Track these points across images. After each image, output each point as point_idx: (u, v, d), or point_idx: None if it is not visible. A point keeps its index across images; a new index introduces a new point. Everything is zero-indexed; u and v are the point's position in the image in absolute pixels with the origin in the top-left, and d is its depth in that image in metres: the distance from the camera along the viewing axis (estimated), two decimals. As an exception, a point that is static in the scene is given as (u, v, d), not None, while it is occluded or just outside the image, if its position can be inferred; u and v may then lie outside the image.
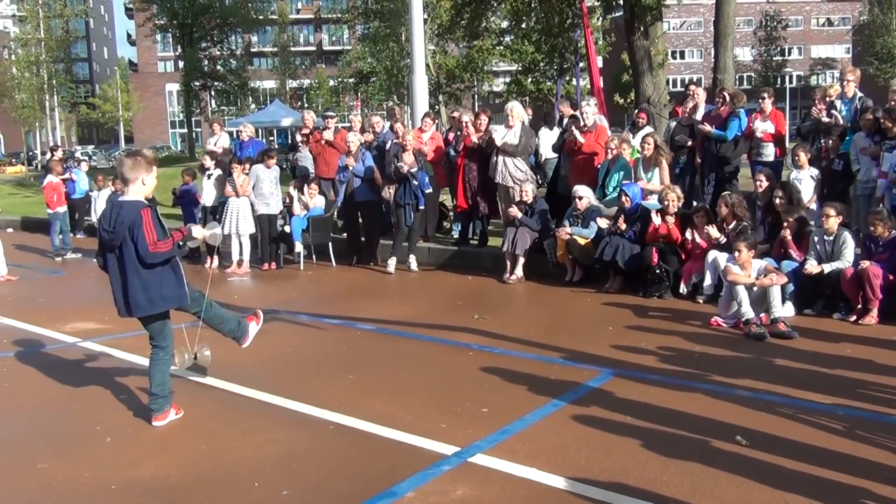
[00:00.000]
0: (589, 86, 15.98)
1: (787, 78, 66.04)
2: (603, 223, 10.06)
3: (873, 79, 44.75)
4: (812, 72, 75.44)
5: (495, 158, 11.35)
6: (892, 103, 10.02)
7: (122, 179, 5.41)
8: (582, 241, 10.09)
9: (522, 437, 5.09)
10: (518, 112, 11.56)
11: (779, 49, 66.07)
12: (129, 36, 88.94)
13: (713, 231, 8.94)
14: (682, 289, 9.22)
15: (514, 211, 10.71)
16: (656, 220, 9.47)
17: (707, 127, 10.77)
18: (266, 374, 6.64)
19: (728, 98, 11.20)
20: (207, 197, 13.03)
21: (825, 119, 10.55)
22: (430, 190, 11.84)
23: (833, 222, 8.26)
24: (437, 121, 15.01)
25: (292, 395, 5.98)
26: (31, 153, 56.53)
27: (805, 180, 9.91)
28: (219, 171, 12.71)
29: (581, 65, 19.34)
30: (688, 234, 9.28)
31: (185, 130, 50.24)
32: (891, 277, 7.90)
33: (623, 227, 9.72)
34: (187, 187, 13.91)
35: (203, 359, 6.00)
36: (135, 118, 79.76)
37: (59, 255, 14.01)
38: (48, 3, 46.18)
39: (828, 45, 78.62)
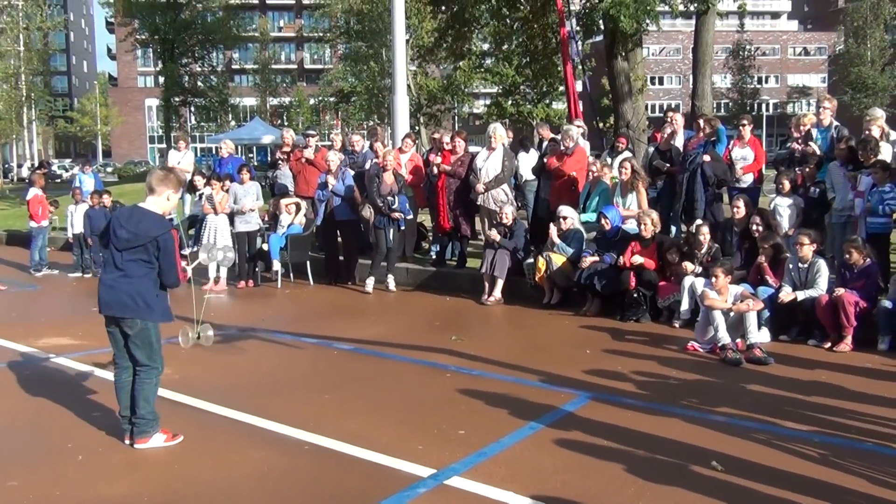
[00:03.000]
0: (567, 112, 16.08)
1: (763, 105, 66.85)
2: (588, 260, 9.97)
3: (848, 108, 45.41)
4: (789, 99, 76.41)
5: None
6: (867, 132, 10.15)
7: (149, 188, 5.44)
8: (559, 261, 10.10)
9: (499, 459, 5.07)
10: (500, 134, 11.62)
11: (752, 77, 66.86)
12: (109, 50, 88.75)
13: (689, 266, 8.98)
14: (659, 302, 9.26)
15: (494, 234, 10.72)
16: (637, 260, 9.45)
17: (707, 158, 10.74)
18: (241, 392, 6.59)
19: (703, 124, 11.28)
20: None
21: (807, 147, 10.70)
22: (411, 216, 11.89)
23: (807, 250, 8.33)
24: (417, 141, 15.04)
25: (268, 415, 5.93)
26: (7, 166, 56.05)
27: (787, 207, 9.98)
28: (209, 190, 12.52)
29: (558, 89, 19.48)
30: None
31: (164, 145, 50.05)
32: (864, 305, 7.98)
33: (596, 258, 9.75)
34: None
35: (206, 339, 5.87)
36: (113, 132, 79.39)
37: (38, 269, 13.87)
38: (28, 16, 45.96)
39: (804, 74, 79.68)
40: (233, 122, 52.77)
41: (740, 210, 9.54)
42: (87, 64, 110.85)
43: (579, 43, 18.86)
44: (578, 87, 18.47)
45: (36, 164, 22.76)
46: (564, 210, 10.52)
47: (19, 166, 53.01)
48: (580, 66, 19.37)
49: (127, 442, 5.42)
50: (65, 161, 64.78)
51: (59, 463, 5.11)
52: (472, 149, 12.65)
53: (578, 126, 12.20)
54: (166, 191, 5.41)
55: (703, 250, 9.04)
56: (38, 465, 5.07)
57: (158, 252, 5.25)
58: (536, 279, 10.35)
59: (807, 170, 10.23)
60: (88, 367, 7.41)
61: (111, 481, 4.81)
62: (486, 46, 34.47)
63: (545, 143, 12.45)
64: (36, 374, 7.31)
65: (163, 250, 5.25)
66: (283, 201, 12.74)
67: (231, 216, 12.24)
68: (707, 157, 10.68)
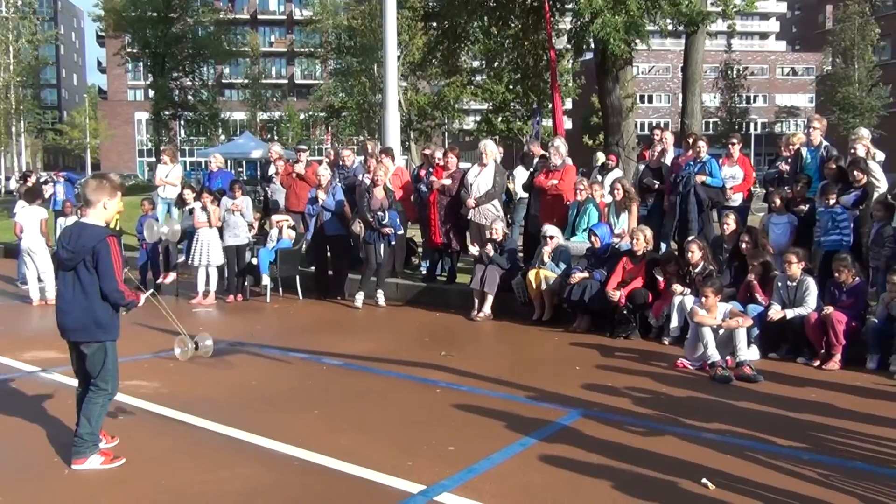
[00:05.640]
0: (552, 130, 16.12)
1: (752, 125, 67.27)
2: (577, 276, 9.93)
3: (835, 128, 45.73)
4: (777, 119, 76.93)
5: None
6: (853, 151, 10.25)
7: (85, 201, 5.32)
8: (548, 278, 10.09)
9: (489, 476, 5.06)
10: (491, 150, 11.65)
11: (741, 96, 67.33)
12: (99, 63, 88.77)
13: (678, 288, 8.99)
14: (652, 320, 9.26)
15: (487, 248, 10.68)
16: (614, 296, 9.42)
17: (702, 178, 10.76)
18: (230, 407, 6.55)
19: (693, 142, 11.32)
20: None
21: (781, 166, 10.85)
22: (401, 232, 11.88)
23: (795, 268, 8.36)
24: (406, 157, 15.09)
25: (257, 430, 5.89)
26: (-5, 177, 55.80)
27: (782, 225, 10.02)
28: (198, 205, 12.46)
29: (547, 106, 19.57)
30: (658, 276, 9.36)
31: (153, 159, 50.04)
32: (853, 324, 8.01)
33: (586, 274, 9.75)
34: (148, 217, 13.76)
35: (205, 349, 5.74)
36: (102, 145, 79.18)
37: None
38: (18, 28, 45.98)
39: (792, 94, 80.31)
40: (223, 137, 52.70)
41: (729, 228, 9.58)
42: (76, 77, 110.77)
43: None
44: (569, 104, 18.56)
45: (23, 174, 22.58)
46: (549, 230, 10.51)
47: (7, 179, 52.71)
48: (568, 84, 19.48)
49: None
50: (58, 174, 64.46)
51: (47, 477, 5.06)
52: (462, 165, 12.66)
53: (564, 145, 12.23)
54: (101, 199, 5.25)
55: (698, 270, 9.03)
56: (25, 481, 5.03)
57: (96, 262, 5.12)
58: (530, 294, 10.31)
59: (797, 188, 10.29)
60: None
61: (98, 496, 4.76)
62: (476, 64, 34.62)
63: (535, 160, 12.46)
64: (23, 388, 7.24)
65: (97, 259, 5.10)
66: (275, 217, 12.73)
67: (221, 230, 12.20)
68: (700, 179, 10.71)
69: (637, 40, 16.83)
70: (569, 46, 19.32)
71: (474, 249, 10.72)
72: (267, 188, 14.49)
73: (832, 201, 9.44)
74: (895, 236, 9.07)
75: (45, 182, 21.33)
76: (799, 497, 4.70)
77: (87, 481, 5.00)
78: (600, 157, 15.26)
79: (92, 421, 5.26)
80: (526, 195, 12.45)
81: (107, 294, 5.16)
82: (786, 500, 4.64)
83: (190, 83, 42.52)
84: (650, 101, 77.24)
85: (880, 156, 10.70)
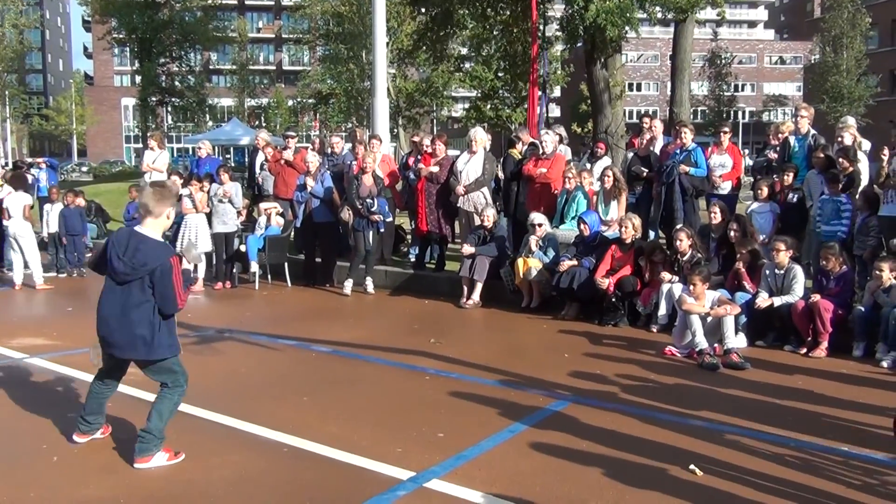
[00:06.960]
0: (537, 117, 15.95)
1: (740, 113, 67.34)
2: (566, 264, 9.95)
3: (824, 117, 45.86)
4: (765, 108, 77.05)
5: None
6: (839, 139, 10.30)
7: (146, 210, 5.01)
8: (537, 266, 10.11)
9: (478, 462, 5.08)
10: (481, 138, 11.64)
11: (729, 85, 67.31)
12: (85, 49, 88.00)
13: (666, 276, 9.02)
14: (640, 307, 9.29)
15: (467, 249, 10.67)
16: (603, 283, 9.44)
17: (685, 168, 10.77)
18: (219, 395, 6.54)
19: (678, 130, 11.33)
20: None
21: (770, 155, 10.90)
22: (390, 219, 11.86)
23: (783, 256, 8.39)
24: (395, 144, 15.07)
25: (246, 417, 5.90)
26: (-20, 163, 55.40)
27: (765, 214, 10.07)
28: (188, 190, 12.38)
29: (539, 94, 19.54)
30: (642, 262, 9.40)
31: (140, 145, 49.72)
32: (840, 312, 8.06)
33: (575, 262, 9.76)
34: (136, 204, 13.68)
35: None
36: (88, 131, 78.70)
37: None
38: (1, 12, 45.62)
39: (780, 83, 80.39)
40: (210, 123, 52.45)
41: (717, 216, 9.61)
42: (62, 62, 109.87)
43: (546, 56, 18.94)
44: (557, 92, 18.51)
45: (10, 165, 22.49)
46: (536, 218, 10.51)
47: (-8, 164, 52.38)
48: (548, 81, 19.40)
49: (77, 439, 5.32)
50: (38, 160, 64.02)
51: (34, 465, 5.05)
52: (451, 152, 12.65)
53: (558, 133, 12.23)
54: (165, 209, 5.01)
55: (686, 257, 9.07)
56: (12, 467, 5.01)
57: (153, 281, 4.88)
58: (516, 283, 10.33)
59: (785, 177, 10.33)
60: (63, 367, 7.33)
61: (87, 483, 4.75)
62: (464, 51, 34.51)
63: (524, 148, 12.44)
64: (9, 375, 7.21)
65: (158, 280, 4.86)
66: (263, 205, 12.70)
67: (209, 216, 12.16)
68: (683, 169, 10.73)
69: (628, 28, 16.82)
70: (559, 34, 19.30)
71: (468, 248, 10.69)
72: (258, 176, 14.43)
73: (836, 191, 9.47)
74: (880, 226, 9.14)
75: (31, 166, 21.22)
76: (785, 482, 4.74)
77: (76, 468, 4.98)
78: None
79: (164, 417, 5.07)
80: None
81: (166, 314, 4.97)
82: (772, 486, 4.68)
83: (177, 69, 42.24)
84: (639, 88, 77.22)
85: (866, 145, 10.76)
